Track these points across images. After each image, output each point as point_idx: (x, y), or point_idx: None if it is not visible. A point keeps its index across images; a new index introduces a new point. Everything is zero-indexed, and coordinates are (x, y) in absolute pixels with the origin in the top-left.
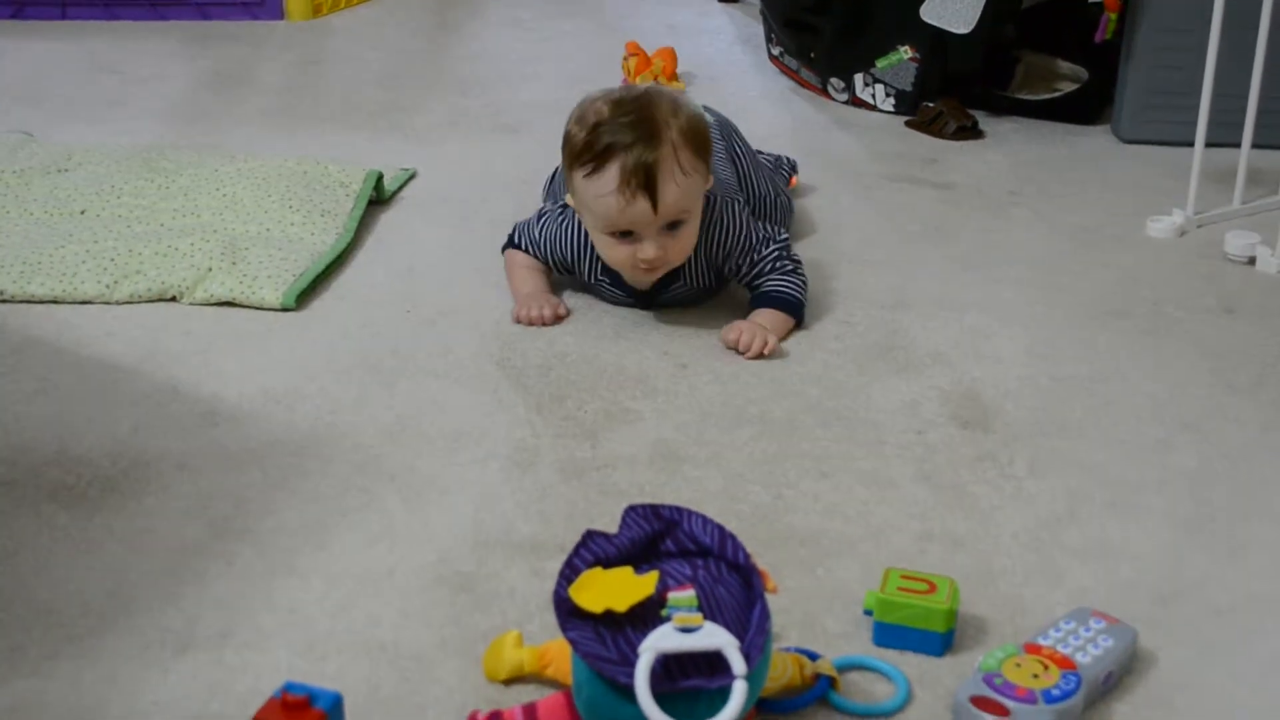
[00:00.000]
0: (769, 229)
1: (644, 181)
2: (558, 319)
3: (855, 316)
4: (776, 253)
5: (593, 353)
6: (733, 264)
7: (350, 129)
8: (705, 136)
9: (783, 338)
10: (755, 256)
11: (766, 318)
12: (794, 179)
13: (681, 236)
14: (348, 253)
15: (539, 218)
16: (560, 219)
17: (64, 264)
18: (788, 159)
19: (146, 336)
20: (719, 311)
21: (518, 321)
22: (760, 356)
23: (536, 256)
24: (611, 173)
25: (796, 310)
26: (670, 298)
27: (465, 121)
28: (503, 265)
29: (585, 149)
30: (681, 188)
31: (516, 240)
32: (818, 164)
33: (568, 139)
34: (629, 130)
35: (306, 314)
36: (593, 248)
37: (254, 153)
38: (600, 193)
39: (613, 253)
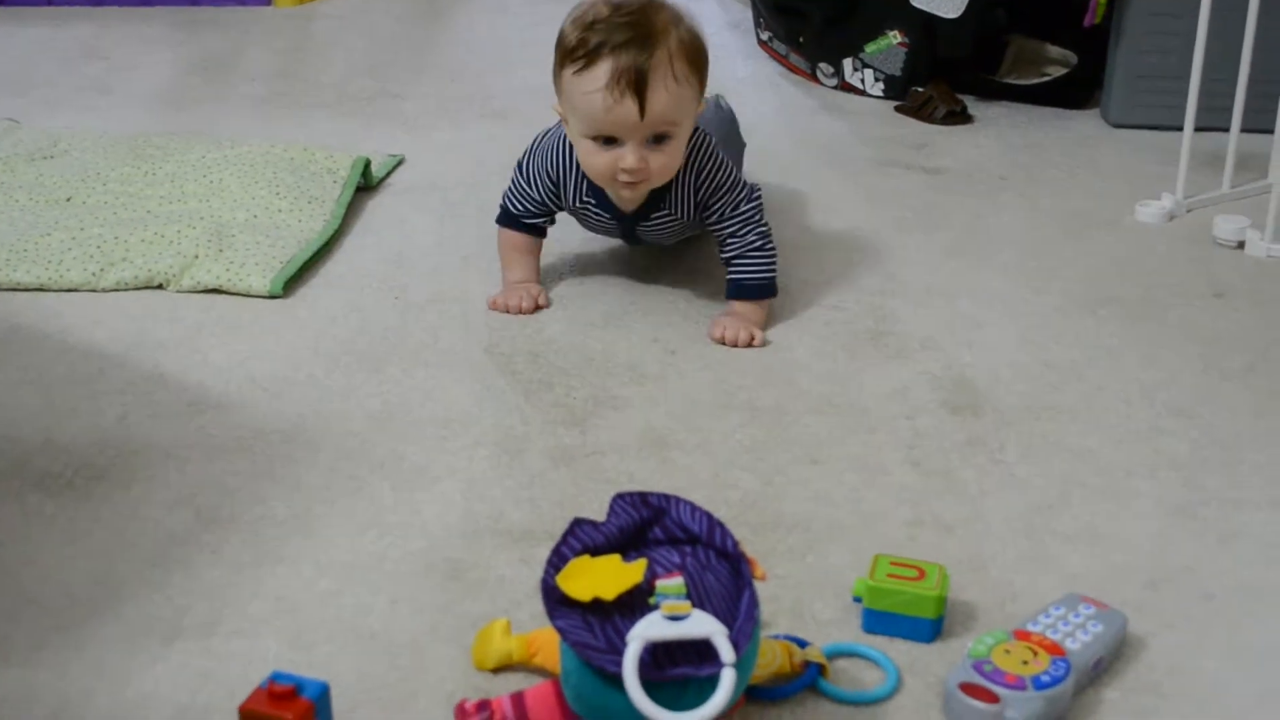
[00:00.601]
0: (750, 182)
1: (634, 82)
2: (536, 308)
3: (845, 302)
4: (752, 210)
5: (581, 339)
6: (715, 199)
7: (338, 115)
8: (703, 53)
9: (765, 323)
10: (734, 206)
11: (745, 308)
12: None
13: (665, 152)
14: (335, 239)
15: (518, 166)
16: (541, 142)
17: (50, 251)
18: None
19: (133, 324)
20: (708, 297)
21: (494, 309)
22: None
23: (527, 208)
24: (603, 69)
25: (771, 291)
26: (652, 226)
27: (453, 107)
28: (495, 244)
29: (579, 45)
30: (672, 96)
31: (507, 206)
32: (807, 149)
33: (561, 38)
34: (626, 30)
35: (294, 301)
36: (579, 164)
37: (241, 139)
38: (588, 89)
39: (594, 160)
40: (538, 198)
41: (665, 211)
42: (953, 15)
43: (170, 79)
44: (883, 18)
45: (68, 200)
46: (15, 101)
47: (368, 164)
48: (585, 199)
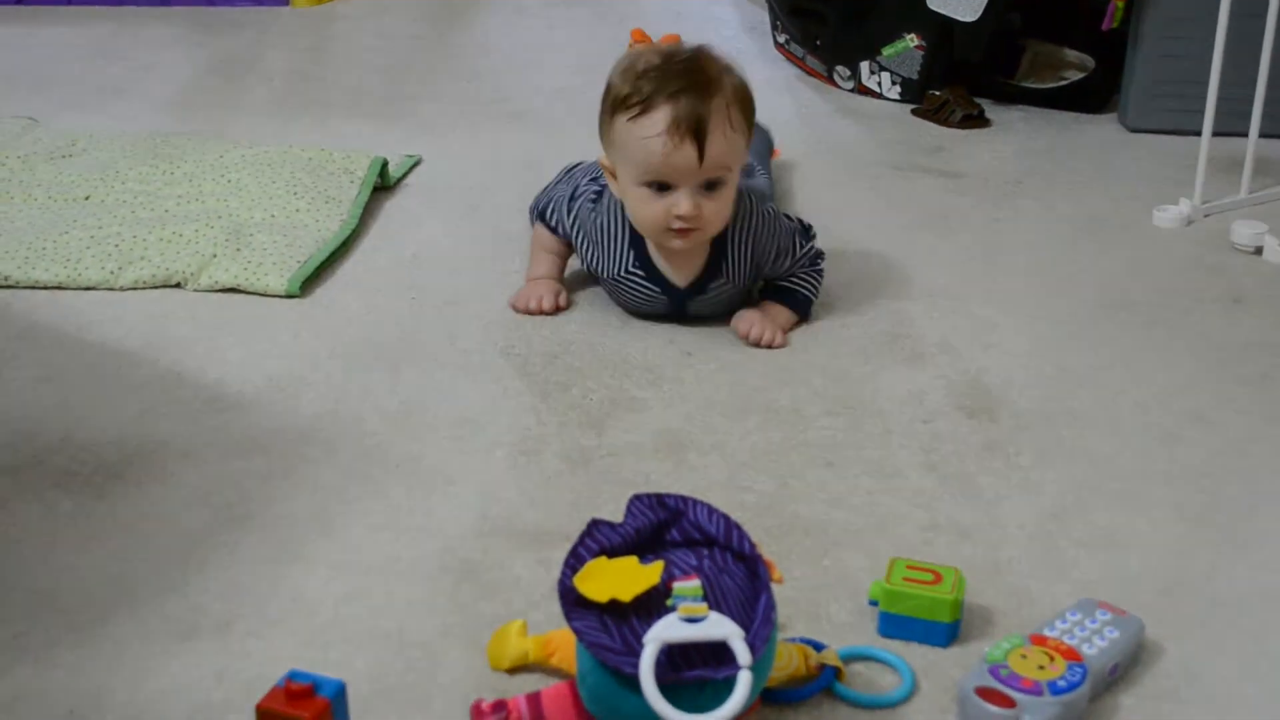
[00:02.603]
0: (801, 223)
1: (694, 127)
2: (557, 309)
3: (861, 306)
4: (816, 258)
5: (598, 341)
6: (779, 262)
7: (355, 115)
8: (753, 103)
9: (790, 330)
10: (809, 263)
11: (776, 310)
12: (776, 150)
13: (717, 199)
14: (352, 239)
15: (572, 198)
16: (594, 207)
17: (68, 250)
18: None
19: (151, 323)
20: None
21: (514, 308)
22: (768, 348)
23: (564, 236)
24: (661, 115)
25: (806, 308)
26: (707, 299)
27: (470, 109)
28: (511, 246)
29: (633, 93)
30: (729, 142)
31: (547, 216)
32: (823, 152)
33: (610, 89)
34: (681, 77)
35: (311, 301)
36: (628, 233)
37: (259, 139)
38: (645, 135)
39: (645, 209)
40: (578, 246)
41: (722, 280)
42: (970, 18)
43: (188, 79)
44: (900, 21)
45: (86, 199)
46: (34, 100)
47: (385, 164)
48: (633, 268)
